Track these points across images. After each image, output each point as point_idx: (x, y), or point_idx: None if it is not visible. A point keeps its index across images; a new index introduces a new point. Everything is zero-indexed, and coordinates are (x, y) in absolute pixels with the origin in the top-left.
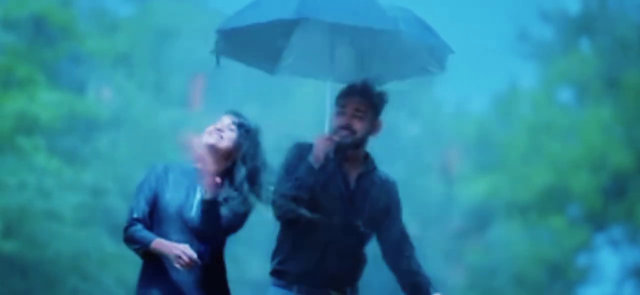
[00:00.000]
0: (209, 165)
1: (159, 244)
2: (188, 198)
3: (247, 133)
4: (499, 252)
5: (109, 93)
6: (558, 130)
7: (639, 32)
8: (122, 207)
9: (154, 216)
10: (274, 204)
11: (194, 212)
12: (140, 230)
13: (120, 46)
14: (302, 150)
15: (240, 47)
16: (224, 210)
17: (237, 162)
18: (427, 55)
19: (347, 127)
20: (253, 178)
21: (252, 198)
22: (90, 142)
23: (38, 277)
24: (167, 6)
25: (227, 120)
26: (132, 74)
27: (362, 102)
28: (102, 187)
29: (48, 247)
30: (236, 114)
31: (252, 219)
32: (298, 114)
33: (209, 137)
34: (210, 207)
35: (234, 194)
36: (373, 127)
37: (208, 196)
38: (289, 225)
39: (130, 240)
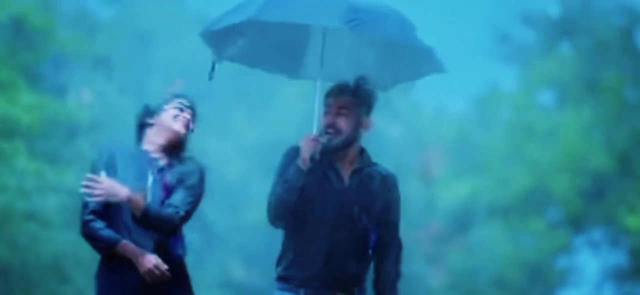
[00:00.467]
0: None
1: (126, 247)
2: (141, 184)
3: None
4: (480, 254)
5: (90, 96)
6: (538, 132)
7: (619, 34)
8: None
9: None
10: (268, 207)
11: (150, 198)
12: (103, 229)
13: (100, 49)
14: (296, 153)
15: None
16: (183, 192)
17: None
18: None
19: (332, 126)
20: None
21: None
22: (71, 145)
23: (19, 280)
24: (147, 8)
25: (185, 103)
26: (113, 76)
27: (347, 99)
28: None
29: (29, 249)
30: (184, 95)
31: (235, 224)
32: (283, 114)
33: (180, 126)
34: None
35: (188, 172)
36: (361, 124)
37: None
38: (291, 229)
39: (91, 237)
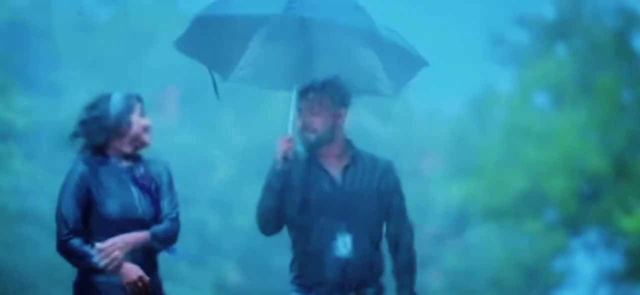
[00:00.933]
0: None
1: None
2: (128, 197)
3: None
4: (476, 256)
5: (85, 99)
6: (534, 134)
7: (614, 35)
8: None
9: (90, 223)
10: (256, 216)
11: (141, 210)
12: (83, 245)
13: (96, 51)
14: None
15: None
16: (168, 197)
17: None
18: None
19: (307, 126)
20: None
21: None
22: (66, 148)
23: (12, 282)
24: (144, 11)
25: (143, 107)
26: (108, 79)
27: (316, 97)
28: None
29: (23, 252)
30: (141, 97)
31: (228, 228)
32: (273, 117)
33: (149, 137)
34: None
35: (159, 172)
36: (335, 117)
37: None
38: (296, 237)
39: (71, 254)
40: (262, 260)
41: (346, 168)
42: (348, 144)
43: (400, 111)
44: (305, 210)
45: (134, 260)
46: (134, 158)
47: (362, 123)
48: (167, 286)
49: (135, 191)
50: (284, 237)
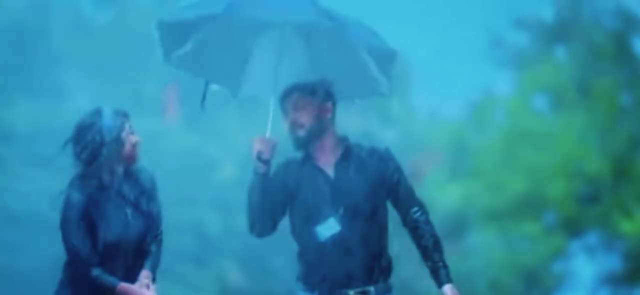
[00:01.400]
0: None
1: (125, 289)
2: (123, 221)
3: None
4: (475, 258)
5: (86, 101)
6: (533, 137)
7: (613, 38)
8: None
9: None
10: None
11: (136, 230)
12: (103, 275)
13: (96, 53)
14: (282, 169)
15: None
16: (155, 213)
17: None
18: (377, 71)
19: (294, 123)
20: None
21: None
22: (66, 150)
23: (14, 283)
24: (144, 13)
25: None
26: (109, 81)
27: (298, 96)
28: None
29: (23, 253)
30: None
31: (230, 228)
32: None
33: (139, 155)
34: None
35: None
36: (321, 111)
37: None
38: (298, 235)
39: (94, 284)
40: (263, 261)
41: (338, 162)
42: (341, 139)
43: (400, 113)
44: (302, 210)
45: (126, 266)
46: (125, 174)
47: (361, 125)
48: (168, 287)
49: (129, 212)
50: (285, 239)
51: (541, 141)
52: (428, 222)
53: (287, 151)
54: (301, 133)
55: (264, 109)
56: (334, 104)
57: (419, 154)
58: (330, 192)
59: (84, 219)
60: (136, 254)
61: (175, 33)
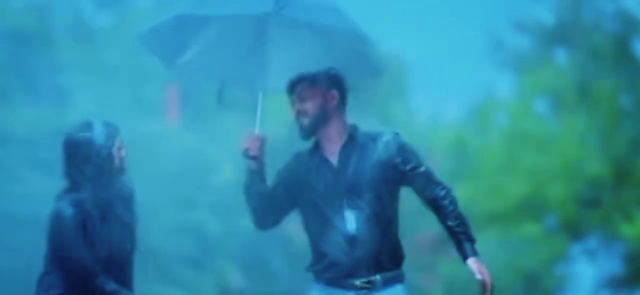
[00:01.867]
0: None
1: None
2: (112, 232)
3: None
4: None
5: (88, 104)
6: (534, 140)
7: (614, 41)
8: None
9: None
10: None
11: (125, 242)
12: (107, 281)
13: (97, 57)
14: (292, 163)
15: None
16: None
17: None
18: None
19: (298, 113)
20: None
21: None
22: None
23: (19, 285)
24: (144, 16)
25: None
26: (110, 84)
27: (302, 86)
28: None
29: (25, 256)
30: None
31: (230, 230)
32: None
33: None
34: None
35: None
36: (326, 99)
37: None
38: (307, 227)
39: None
40: (263, 263)
41: (341, 149)
42: (347, 127)
43: (401, 115)
44: (310, 201)
45: (116, 279)
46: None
47: (363, 127)
48: (168, 290)
49: (119, 225)
50: (285, 241)
51: (542, 144)
52: (448, 198)
53: (276, 149)
54: (305, 121)
55: (264, 112)
56: (340, 92)
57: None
58: (333, 180)
59: (79, 233)
60: (124, 267)
61: (170, 40)
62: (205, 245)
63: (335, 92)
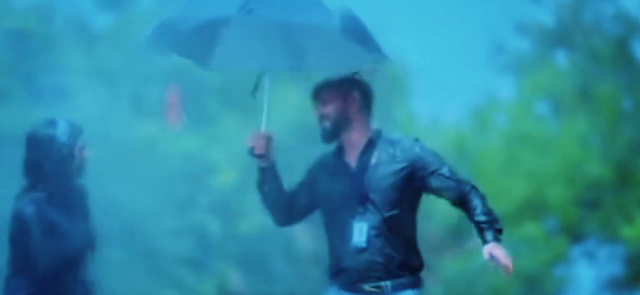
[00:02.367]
0: None
1: None
2: (80, 226)
3: None
4: (476, 263)
5: (88, 108)
6: (535, 142)
7: (615, 43)
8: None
9: (46, 266)
10: None
11: (82, 239)
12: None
13: (99, 60)
14: (317, 169)
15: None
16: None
17: None
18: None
19: (321, 117)
20: None
21: None
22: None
23: None
24: (146, 17)
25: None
26: (112, 88)
27: (326, 91)
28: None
29: None
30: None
31: (231, 233)
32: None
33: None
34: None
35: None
36: (347, 101)
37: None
38: (326, 229)
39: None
40: (264, 264)
41: (361, 154)
42: (370, 131)
43: (402, 118)
44: (329, 204)
45: (64, 288)
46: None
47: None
48: (169, 291)
49: (76, 224)
50: (285, 243)
51: (542, 146)
52: (475, 193)
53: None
54: (327, 125)
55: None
56: (363, 96)
57: None
58: (350, 185)
59: (41, 231)
60: (86, 265)
61: (197, 39)
62: (206, 247)
63: (357, 96)
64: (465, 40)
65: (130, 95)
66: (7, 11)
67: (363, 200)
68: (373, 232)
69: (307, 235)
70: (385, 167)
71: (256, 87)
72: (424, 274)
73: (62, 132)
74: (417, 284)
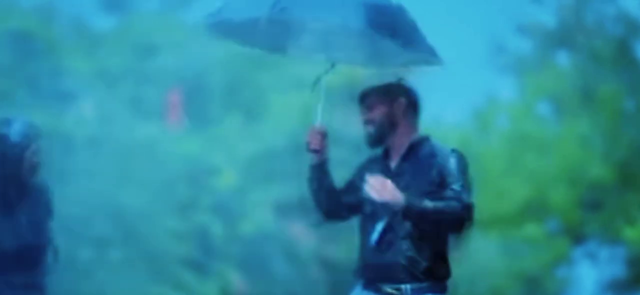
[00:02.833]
0: None
1: None
2: (30, 224)
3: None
4: (477, 264)
5: (90, 109)
6: (536, 143)
7: (616, 44)
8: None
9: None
10: None
11: (42, 237)
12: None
13: (101, 62)
14: (364, 165)
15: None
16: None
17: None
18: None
19: (366, 122)
20: None
21: None
22: (70, 158)
23: None
24: (147, 20)
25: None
26: (113, 89)
27: (371, 97)
28: (80, 202)
29: None
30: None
31: (233, 235)
32: (277, 125)
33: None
34: None
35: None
36: (392, 106)
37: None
38: (359, 226)
39: None
40: (266, 266)
41: (401, 159)
42: (415, 136)
43: None
44: (367, 204)
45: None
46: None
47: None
48: (170, 293)
49: (26, 219)
50: (287, 244)
51: (544, 147)
52: (452, 201)
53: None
54: (371, 129)
55: (265, 116)
56: (409, 101)
57: None
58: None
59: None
60: (37, 263)
61: (276, 28)
62: (207, 248)
63: (402, 100)
64: (466, 41)
65: (132, 97)
66: (9, 12)
67: (389, 209)
68: (401, 236)
69: (308, 237)
70: (421, 173)
71: (318, 80)
72: None
73: (15, 132)
74: (439, 290)
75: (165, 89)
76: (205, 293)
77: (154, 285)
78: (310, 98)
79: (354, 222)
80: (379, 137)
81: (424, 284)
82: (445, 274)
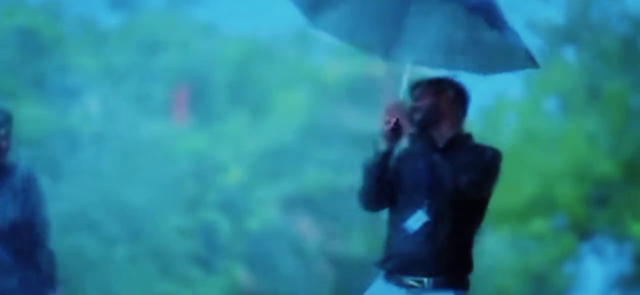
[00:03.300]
0: None
1: None
2: (4, 201)
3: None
4: (483, 261)
5: (96, 106)
6: (543, 139)
7: (623, 41)
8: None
9: None
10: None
11: (20, 212)
12: None
13: (107, 59)
14: (402, 149)
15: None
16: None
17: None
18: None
19: (413, 110)
20: None
21: None
22: (75, 155)
23: None
24: (154, 18)
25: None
26: (119, 86)
27: (421, 87)
28: (85, 199)
29: None
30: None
31: (239, 231)
32: (284, 121)
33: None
34: None
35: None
36: (440, 98)
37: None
38: (388, 214)
39: None
40: (273, 263)
41: (442, 150)
42: (459, 130)
43: None
44: (402, 188)
45: (6, 285)
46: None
47: (366, 126)
48: (176, 289)
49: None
50: (295, 240)
51: (551, 144)
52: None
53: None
54: (417, 116)
55: (271, 112)
56: (457, 94)
57: None
58: (425, 175)
59: None
60: (13, 238)
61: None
62: (213, 245)
63: (450, 93)
64: None
65: (138, 94)
66: (15, 9)
67: (430, 195)
68: (429, 229)
69: (315, 233)
70: (460, 169)
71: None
72: None
73: None
74: (461, 285)
75: (172, 86)
76: (211, 290)
77: (160, 282)
78: (316, 95)
79: (360, 218)
80: (424, 124)
81: (445, 278)
82: (468, 269)
